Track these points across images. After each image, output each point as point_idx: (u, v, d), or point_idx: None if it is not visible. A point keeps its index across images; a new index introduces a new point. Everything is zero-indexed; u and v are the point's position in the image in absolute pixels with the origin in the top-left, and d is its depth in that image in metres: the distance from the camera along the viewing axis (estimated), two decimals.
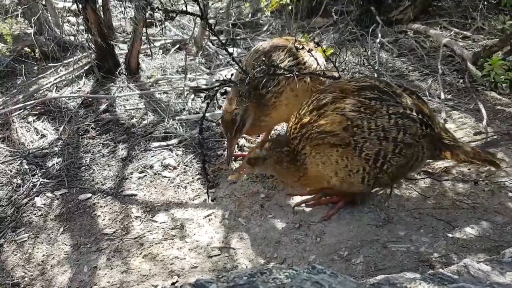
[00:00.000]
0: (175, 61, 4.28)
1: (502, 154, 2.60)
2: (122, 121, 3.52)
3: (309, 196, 2.53)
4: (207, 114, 3.34)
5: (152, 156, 3.11)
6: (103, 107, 3.68)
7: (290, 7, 4.25)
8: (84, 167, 3.10)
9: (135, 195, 2.81)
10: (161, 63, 4.26)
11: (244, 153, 3.03)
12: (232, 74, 2.68)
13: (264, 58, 2.58)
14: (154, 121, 3.47)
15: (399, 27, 4.33)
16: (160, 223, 2.58)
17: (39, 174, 3.07)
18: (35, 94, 3.91)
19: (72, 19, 4.82)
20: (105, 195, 2.84)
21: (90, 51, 4.09)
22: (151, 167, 3.02)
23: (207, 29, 2.44)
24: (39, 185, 2.98)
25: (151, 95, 3.76)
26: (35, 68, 4.33)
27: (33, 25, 4.24)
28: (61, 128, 3.48)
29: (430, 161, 2.68)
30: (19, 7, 4.36)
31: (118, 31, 4.88)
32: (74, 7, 4.14)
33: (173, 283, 2.15)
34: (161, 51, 4.49)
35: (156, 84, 3.98)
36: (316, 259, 2.20)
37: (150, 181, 2.91)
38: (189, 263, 2.30)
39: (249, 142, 3.19)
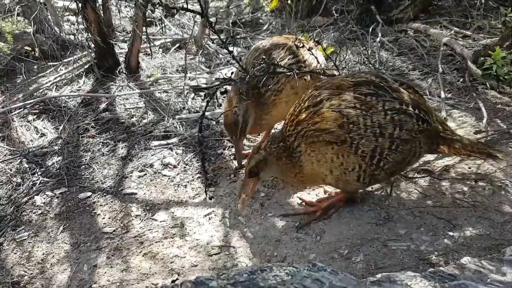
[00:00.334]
0: (175, 60, 4.28)
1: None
2: (122, 120, 3.52)
3: (309, 210, 2.47)
4: (207, 113, 3.35)
5: (152, 155, 3.11)
6: (103, 106, 3.68)
7: (290, 6, 4.24)
8: (84, 166, 3.10)
9: (135, 193, 2.81)
10: (161, 62, 4.26)
11: (245, 151, 3.03)
12: (232, 73, 2.68)
13: (264, 56, 2.58)
14: (154, 120, 3.47)
15: (399, 26, 4.33)
16: (160, 221, 2.58)
17: (39, 173, 3.07)
18: (35, 93, 3.90)
19: (72, 18, 4.82)
20: (105, 194, 2.84)
21: (90, 50, 4.09)
22: (151, 165, 3.02)
23: (208, 27, 2.43)
24: (39, 184, 2.97)
25: (151, 94, 3.76)
26: (35, 67, 4.33)
27: (32, 24, 4.23)
28: (61, 127, 3.48)
29: (431, 159, 2.68)
30: (19, 6, 4.35)
31: (118, 30, 4.88)
32: (74, 6, 4.13)
33: (173, 281, 2.15)
34: (161, 50, 4.49)
35: (156, 83, 3.98)
36: (316, 257, 2.19)
37: (150, 179, 2.91)
38: (189, 262, 2.30)
39: (249, 141, 3.19)
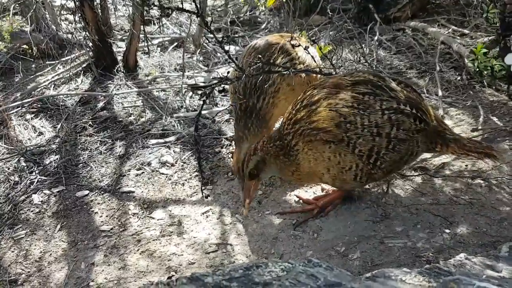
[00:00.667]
0: (173, 59, 4.28)
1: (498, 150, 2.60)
2: (120, 119, 3.52)
3: (306, 208, 2.48)
4: (204, 111, 3.36)
5: (149, 153, 3.11)
6: (100, 104, 3.68)
7: (288, 5, 4.24)
8: (81, 164, 3.10)
9: (133, 192, 2.81)
10: (159, 61, 4.26)
11: None
12: (228, 72, 2.68)
13: (260, 56, 2.58)
14: (152, 118, 3.47)
15: (397, 25, 4.34)
16: (158, 219, 2.58)
17: (37, 172, 3.07)
18: (33, 92, 3.90)
19: (70, 17, 4.81)
20: (102, 192, 2.84)
21: (88, 49, 4.09)
22: (149, 164, 3.02)
23: (204, 27, 2.43)
24: (36, 182, 2.97)
25: (149, 92, 3.76)
26: (33, 65, 4.32)
27: (29, 22, 4.23)
28: (58, 126, 3.48)
29: (428, 157, 2.69)
30: (16, 4, 4.35)
31: (116, 29, 4.88)
32: (72, 4, 4.13)
33: (169, 277, 2.15)
34: (159, 48, 4.49)
35: (154, 82, 3.98)
36: (313, 254, 2.20)
37: (148, 178, 2.91)
38: (186, 260, 2.30)
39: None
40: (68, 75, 4.09)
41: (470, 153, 2.27)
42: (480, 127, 2.84)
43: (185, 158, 3.04)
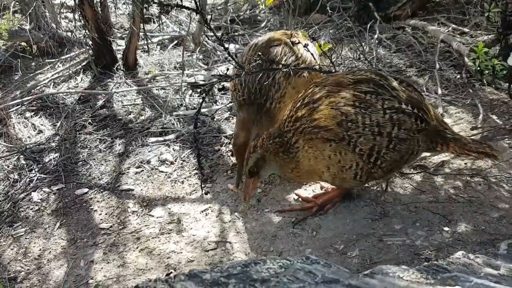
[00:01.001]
0: (172, 57, 4.28)
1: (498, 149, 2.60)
2: (120, 117, 3.52)
3: (305, 206, 2.48)
4: (204, 109, 3.36)
5: (149, 151, 3.11)
6: (100, 102, 3.68)
7: (288, 3, 4.24)
8: (81, 162, 3.10)
9: (132, 190, 2.82)
10: (158, 59, 4.25)
11: None
12: (227, 69, 2.67)
13: (260, 53, 2.57)
14: (152, 116, 3.47)
15: (397, 23, 4.33)
16: (157, 217, 2.59)
17: (36, 169, 3.07)
18: (33, 90, 3.90)
19: (70, 15, 4.81)
20: (102, 190, 2.84)
21: (87, 47, 4.09)
22: (148, 162, 3.02)
23: (204, 24, 2.43)
24: (36, 180, 2.98)
25: (149, 91, 3.76)
26: (32, 64, 4.32)
27: (29, 20, 4.23)
28: (58, 124, 3.48)
29: (427, 155, 2.69)
30: (16, 2, 4.35)
31: (116, 27, 4.88)
32: (71, 2, 4.13)
33: (167, 274, 2.16)
34: (158, 47, 4.49)
35: (154, 80, 3.98)
36: (312, 252, 2.20)
37: (147, 176, 2.92)
38: (185, 257, 2.30)
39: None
40: (68, 73, 4.09)
41: (471, 153, 2.27)
42: (479, 126, 2.84)
43: (184, 156, 3.04)
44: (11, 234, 2.62)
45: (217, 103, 3.59)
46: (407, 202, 2.40)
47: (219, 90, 3.74)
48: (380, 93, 2.13)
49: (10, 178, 3.02)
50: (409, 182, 2.54)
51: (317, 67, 2.69)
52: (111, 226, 2.57)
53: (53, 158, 3.15)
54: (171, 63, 4.18)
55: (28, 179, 2.99)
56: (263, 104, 2.56)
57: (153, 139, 3.22)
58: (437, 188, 2.47)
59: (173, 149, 3.12)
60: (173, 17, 4.90)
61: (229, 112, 3.41)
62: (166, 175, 2.91)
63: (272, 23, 4.84)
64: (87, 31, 3.90)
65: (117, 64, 4.09)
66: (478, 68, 2.81)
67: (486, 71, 2.79)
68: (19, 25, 4.29)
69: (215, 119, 3.37)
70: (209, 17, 2.95)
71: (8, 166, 3.12)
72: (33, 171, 3.06)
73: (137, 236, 2.47)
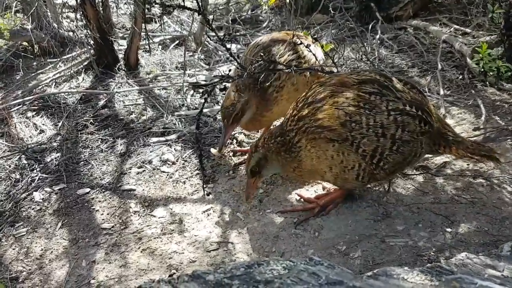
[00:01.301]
0: (174, 57, 4.28)
1: (500, 150, 2.60)
2: (121, 117, 3.52)
3: (307, 206, 2.47)
4: (205, 110, 3.36)
5: (151, 151, 3.11)
6: (102, 102, 3.68)
7: (290, 3, 4.24)
8: (82, 162, 3.10)
9: (134, 190, 2.81)
10: (160, 59, 4.25)
11: (243, 148, 3.03)
12: (229, 70, 2.67)
13: (262, 54, 2.57)
14: (153, 116, 3.47)
15: (399, 24, 4.32)
16: (159, 217, 2.58)
17: (38, 169, 3.07)
18: (34, 90, 3.90)
19: (71, 15, 4.81)
20: (103, 190, 2.84)
21: (89, 47, 4.08)
22: (150, 162, 3.02)
23: (205, 25, 2.43)
24: (37, 180, 2.98)
25: (150, 90, 3.76)
26: (34, 63, 4.32)
27: (30, 20, 4.23)
28: (60, 124, 3.48)
29: (429, 156, 2.68)
30: (18, 2, 4.35)
31: (118, 27, 4.87)
32: (73, 2, 4.13)
33: (170, 275, 2.15)
34: (160, 47, 4.48)
35: (155, 80, 3.98)
36: (314, 253, 2.20)
37: (149, 176, 2.91)
38: (187, 258, 2.30)
39: (248, 138, 3.18)
40: (69, 73, 4.09)
41: (473, 156, 2.27)
42: (482, 126, 2.84)
43: (186, 156, 3.04)
44: (12, 234, 2.62)
45: (219, 103, 3.58)
46: (410, 203, 2.40)
47: (221, 90, 3.71)
48: (385, 94, 2.13)
49: (12, 178, 3.02)
50: (411, 183, 2.53)
51: (319, 67, 2.69)
52: (113, 226, 2.57)
53: (55, 158, 3.15)
54: (173, 63, 4.18)
55: (29, 179, 2.99)
56: (261, 82, 2.55)
57: (154, 139, 3.22)
58: (440, 189, 2.47)
59: (174, 149, 3.12)
60: (175, 17, 4.90)
61: None
62: (167, 175, 2.90)
63: (273, 23, 4.83)
64: (88, 31, 3.89)
65: (118, 64, 4.09)
66: (482, 70, 2.81)
67: (491, 73, 2.78)
68: (20, 25, 4.28)
69: (216, 120, 3.36)
70: (210, 17, 2.95)
71: (9, 166, 3.11)
72: (35, 171, 3.06)
73: (139, 236, 2.47)
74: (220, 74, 2.63)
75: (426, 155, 2.65)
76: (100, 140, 3.29)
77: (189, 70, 3.99)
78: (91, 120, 3.48)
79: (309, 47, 2.67)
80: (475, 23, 3.99)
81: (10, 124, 3.48)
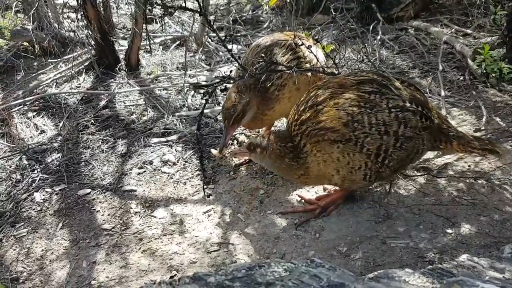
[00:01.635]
0: (175, 58, 4.28)
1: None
2: (122, 117, 3.51)
3: (308, 208, 2.47)
4: (206, 110, 3.36)
5: (151, 152, 3.11)
6: (102, 103, 3.68)
7: (291, 4, 4.24)
8: (83, 163, 3.10)
9: (135, 190, 2.81)
10: (161, 60, 4.25)
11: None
12: (231, 71, 2.67)
13: (263, 55, 2.57)
14: (154, 117, 3.47)
15: (400, 24, 4.32)
16: (159, 218, 2.58)
17: (39, 170, 3.07)
18: (35, 90, 3.90)
19: (72, 15, 4.81)
20: (104, 191, 2.84)
21: (90, 47, 4.08)
22: (151, 162, 3.02)
23: (206, 25, 2.43)
24: (38, 181, 2.97)
25: (151, 91, 3.76)
26: (35, 63, 4.32)
27: (31, 20, 4.23)
28: (60, 124, 3.48)
29: (431, 157, 2.68)
30: (19, 2, 4.35)
31: (118, 27, 4.88)
32: (74, 2, 4.13)
33: (171, 277, 2.15)
34: (161, 47, 4.49)
35: (156, 81, 3.98)
36: (315, 254, 2.19)
37: (150, 176, 2.91)
38: (188, 259, 2.30)
39: (248, 139, 3.18)
40: (70, 73, 4.09)
41: (474, 150, 2.26)
42: (483, 128, 2.84)
43: (187, 157, 3.04)
44: (13, 235, 2.61)
45: (220, 104, 3.58)
46: (411, 204, 2.40)
47: (222, 91, 3.72)
48: (384, 93, 2.14)
49: (13, 178, 3.02)
50: (412, 184, 2.53)
51: (320, 68, 2.69)
52: (113, 227, 2.56)
53: (56, 159, 3.15)
54: (174, 64, 4.18)
55: (30, 180, 2.99)
56: (262, 81, 2.55)
57: (155, 139, 3.22)
58: (441, 191, 2.47)
59: (175, 149, 3.11)
60: (176, 18, 4.90)
61: None
62: (168, 176, 2.90)
63: (274, 24, 4.84)
64: (89, 31, 3.89)
65: (119, 65, 4.09)
66: (484, 71, 2.80)
67: (493, 74, 2.78)
68: (21, 25, 4.29)
69: (217, 120, 3.36)
70: (211, 17, 2.95)
71: (10, 166, 3.11)
72: (36, 172, 3.06)
73: (139, 237, 2.47)
74: (221, 75, 2.63)
75: (428, 156, 2.65)
76: (101, 140, 3.29)
77: (190, 70, 3.99)
78: (92, 121, 3.48)
79: (311, 48, 2.67)
80: (476, 24, 3.99)
81: (11, 125, 3.48)
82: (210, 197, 2.66)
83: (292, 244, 2.28)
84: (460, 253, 2.04)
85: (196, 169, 2.92)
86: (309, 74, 2.67)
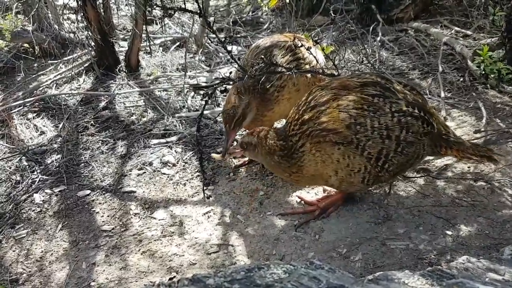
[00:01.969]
0: (175, 59, 4.28)
1: (501, 153, 2.60)
2: (122, 118, 3.52)
3: (308, 209, 2.46)
4: (206, 112, 3.35)
5: (151, 153, 3.11)
6: (102, 104, 3.68)
7: (291, 5, 4.24)
8: (83, 164, 3.10)
9: (134, 192, 2.81)
10: (161, 61, 4.25)
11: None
12: (230, 72, 2.67)
13: (263, 56, 2.57)
14: (154, 118, 3.47)
15: (400, 26, 4.32)
16: (159, 220, 2.58)
17: (38, 171, 3.07)
18: (35, 91, 3.90)
19: (72, 16, 4.81)
20: (104, 192, 2.84)
21: (90, 48, 4.09)
22: (150, 164, 3.02)
23: (206, 26, 2.43)
24: (38, 182, 2.97)
25: (151, 92, 3.76)
26: (35, 65, 4.33)
27: (31, 21, 4.23)
28: (60, 125, 3.48)
29: (430, 159, 2.68)
30: (19, 3, 4.35)
31: (118, 29, 4.88)
32: (74, 4, 4.13)
33: (170, 279, 2.14)
34: (161, 48, 4.49)
35: (156, 82, 3.98)
36: (315, 256, 2.19)
37: (149, 178, 2.91)
38: (187, 260, 2.30)
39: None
40: (70, 74, 4.09)
41: (473, 156, 2.28)
42: (482, 129, 2.83)
43: (186, 158, 3.04)
44: (13, 236, 2.61)
45: (220, 105, 3.58)
46: (410, 205, 2.39)
47: (221, 92, 3.73)
48: (388, 96, 2.12)
49: (12, 179, 3.02)
50: (412, 186, 2.53)
51: (319, 70, 2.69)
52: (113, 228, 2.56)
53: (55, 160, 3.15)
54: (174, 65, 4.18)
55: (30, 181, 2.99)
56: (262, 82, 2.55)
57: (155, 141, 3.22)
58: (440, 192, 2.46)
59: (175, 151, 3.11)
60: (176, 19, 4.90)
61: None
62: (168, 177, 2.90)
63: (274, 25, 4.84)
64: (89, 32, 3.90)
65: (119, 66, 4.09)
66: (483, 72, 2.81)
67: (492, 75, 2.78)
68: (21, 26, 4.29)
69: (217, 122, 3.36)
70: (211, 19, 2.95)
71: (10, 168, 3.11)
72: (35, 173, 3.05)
73: (139, 239, 2.47)
74: (221, 76, 2.63)
75: (427, 158, 2.65)
76: (100, 141, 3.29)
77: (190, 72, 3.99)
78: (92, 122, 3.49)
79: (310, 50, 2.67)
80: (476, 25, 3.99)
81: (11, 126, 3.48)
82: (210, 198, 2.66)
83: (291, 246, 2.27)
84: (459, 255, 2.03)
85: (196, 170, 2.92)
86: (309, 75, 2.67)
